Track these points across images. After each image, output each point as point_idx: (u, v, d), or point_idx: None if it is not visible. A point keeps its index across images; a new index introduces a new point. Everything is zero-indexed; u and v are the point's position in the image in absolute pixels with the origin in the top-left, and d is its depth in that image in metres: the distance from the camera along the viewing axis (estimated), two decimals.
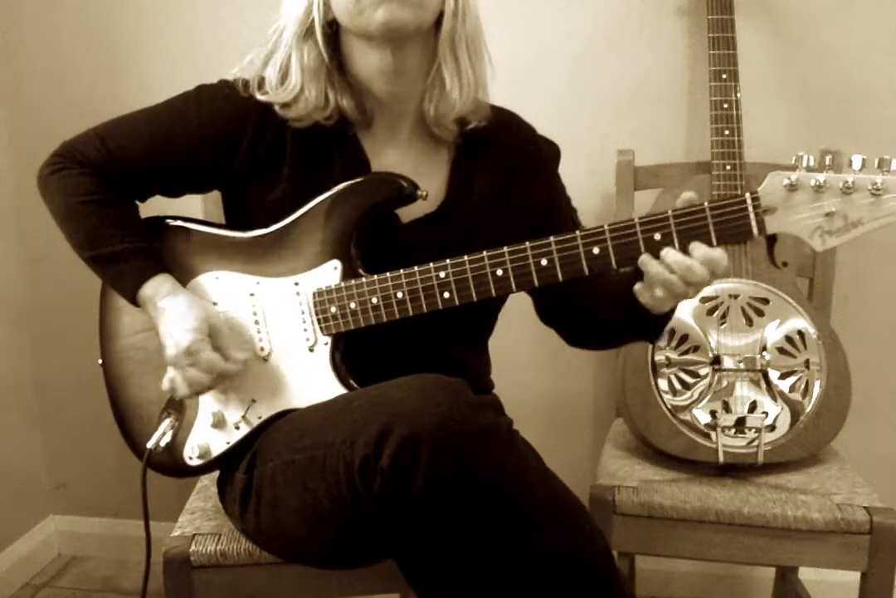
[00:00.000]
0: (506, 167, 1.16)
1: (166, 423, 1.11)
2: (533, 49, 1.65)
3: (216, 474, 1.18)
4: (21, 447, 1.92)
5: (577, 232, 0.98)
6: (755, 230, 0.92)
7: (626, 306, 1.06)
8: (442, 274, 1.02)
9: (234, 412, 1.10)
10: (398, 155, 1.14)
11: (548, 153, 1.21)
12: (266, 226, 1.11)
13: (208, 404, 1.12)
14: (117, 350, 1.18)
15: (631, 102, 1.65)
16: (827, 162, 0.91)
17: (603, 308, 1.14)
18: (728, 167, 1.45)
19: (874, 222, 0.89)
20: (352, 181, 1.08)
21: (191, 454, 1.12)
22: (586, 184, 1.67)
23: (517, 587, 0.90)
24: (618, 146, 1.59)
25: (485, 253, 1.01)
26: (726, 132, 1.46)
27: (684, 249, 0.95)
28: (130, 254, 1.10)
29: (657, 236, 0.95)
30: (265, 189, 1.11)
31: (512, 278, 1.00)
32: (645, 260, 0.96)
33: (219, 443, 1.11)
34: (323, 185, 1.09)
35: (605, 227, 0.97)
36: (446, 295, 1.02)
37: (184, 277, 1.13)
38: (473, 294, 1.02)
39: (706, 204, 0.93)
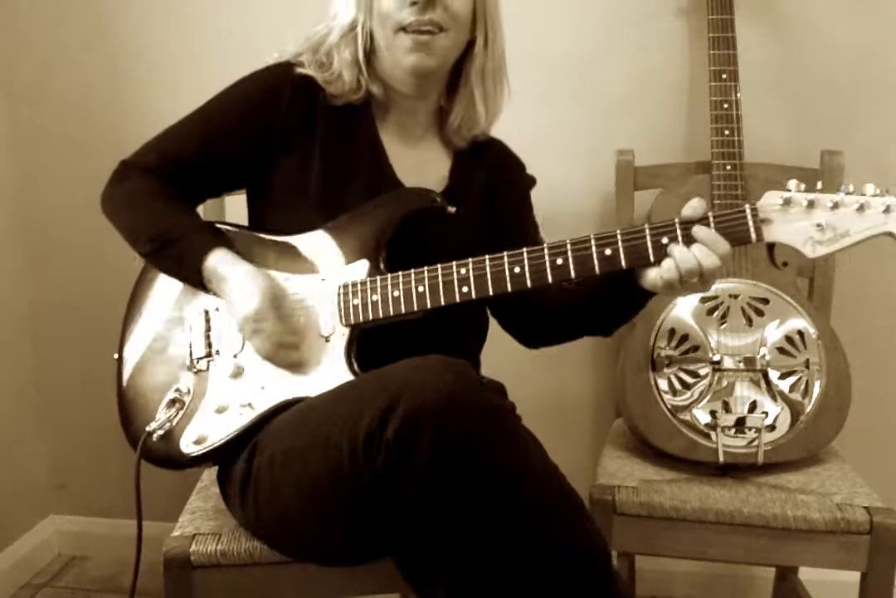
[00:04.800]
0: (494, 181, 1.28)
1: (170, 411, 1.13)
2: (533, 49, 1.64)
3: (216, 474, 1.18)
4: (21, 447, 1.91)
5: (591, 235, 1.05)
6: (753, 237, 1.01)
7: (595, 301, 1.18)
8: (463, 271, 1.08)
9: (241, 398, 1.12)
10: (406, 148, 1.23)
11: (527, 180, 1.33)
12: (293, 202, 1.18)
13: (216, 391, 1.13)
14: (134, 339, 1.22)
15: (631, 102, 1.65)
16: (818, 187, 1.02)
17: (568, 304, 1.22)
18: (728, 167, 1.45)
19: (859, 234, 0.99)
20: (385, 195, 1.17)
21: (187, 441, 1.12)
22: (586, 184, 1.67)
23: (511, 573, 0.90)
24: (618, 146, 1.59)
25: (504, 253, 1.07)
26: (726, 132, 1.46)
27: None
28: (195, 230, 1.17)
29: (664, 240, 1.02)
30: (298, 159, 1.18)
31: (528, 275, 1.06)
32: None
33: (218, 431, 1.11)
34: (347, 162, 1.18)
35: (618, 231, 1.04)
36: (465, 289, 1.08)
37: None
38: (490, 289, 1.07)
39: (710, 214, 1.02)
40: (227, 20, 1.70)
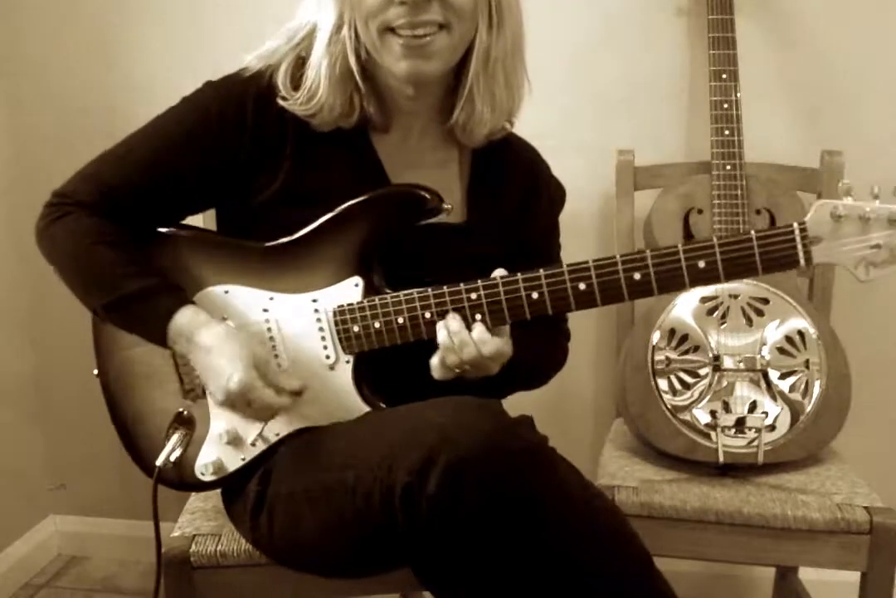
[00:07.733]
0: (519, 199, 1.17)
1: (175, 438, 1.08)
2: (533, 49, 1.63)
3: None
4: (21, 447, 1.91)
5: (618, 256, 0.95)
6: (802, 260, 0.90)
7: None
8: (473, 296, 0.98)
9: (250, 429, 1.06)
10: (409, 156, 1.12)
11: (558, 196, 1.23)
12: (261, 228, 1.07)
13: (220, 419, 1.08)
14: (115, 365, 1.14)
15: (631, 101, 1.65)
16: (875, 191, 0.90)
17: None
18: (728, 167, 1.45)
19: None
20: (374, 193, 1.04)
21: (203, 471, 1.08)
22: (586, 184, 1.67)
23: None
24: (618, 146, 1.59)
25: (519, 275, 0.98)
26: (726, 132, 1.46)
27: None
28: (155, 290, 1.03)
29: (701, 264, 0.93)
30: (264, 181, 1.06)
31: (548, 301, 0.97)
32: (439, 326, 0.98)
33: (234, 460, 1.08)
34: (324, 180, 1.06)
35: (648, 252, 0.94)
36: (477, 317, 0.99)
37: (190, 288, 1.07)
38: (507, 317, 0.99)
39: (753, 233, 0.91)
40: (226, 21, 1.70)
